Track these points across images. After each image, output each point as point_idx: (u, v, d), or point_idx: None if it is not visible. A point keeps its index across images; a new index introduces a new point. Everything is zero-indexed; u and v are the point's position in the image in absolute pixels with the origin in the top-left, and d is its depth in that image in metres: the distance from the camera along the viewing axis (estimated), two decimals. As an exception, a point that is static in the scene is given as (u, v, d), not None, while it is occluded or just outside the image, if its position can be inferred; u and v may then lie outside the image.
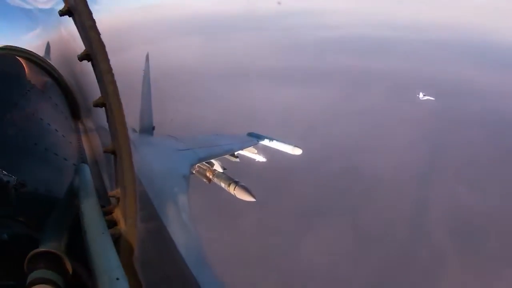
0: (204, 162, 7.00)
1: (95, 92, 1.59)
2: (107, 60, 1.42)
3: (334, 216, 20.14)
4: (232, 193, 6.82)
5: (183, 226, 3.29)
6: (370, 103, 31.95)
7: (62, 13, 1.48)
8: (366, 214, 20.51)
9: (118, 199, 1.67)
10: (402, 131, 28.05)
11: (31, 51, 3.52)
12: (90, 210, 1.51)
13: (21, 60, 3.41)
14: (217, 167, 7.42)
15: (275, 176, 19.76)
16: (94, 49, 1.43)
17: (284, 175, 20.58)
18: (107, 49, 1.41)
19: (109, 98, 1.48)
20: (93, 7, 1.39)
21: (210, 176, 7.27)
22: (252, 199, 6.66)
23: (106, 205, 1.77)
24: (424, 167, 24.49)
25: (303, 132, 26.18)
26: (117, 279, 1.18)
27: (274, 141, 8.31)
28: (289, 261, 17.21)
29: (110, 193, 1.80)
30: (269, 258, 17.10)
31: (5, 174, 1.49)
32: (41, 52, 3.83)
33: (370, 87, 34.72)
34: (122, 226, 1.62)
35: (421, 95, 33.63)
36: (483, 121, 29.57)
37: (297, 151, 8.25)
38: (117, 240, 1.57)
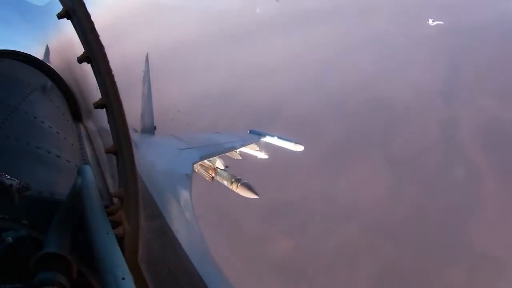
0: (206, 161, 7.01)
1: (96, 94, 1.59)
2: (107, 62, 1.43)
3: (366, 148, 20.17)
4: (235, 190, 6.84)
5: (187, 225, 3.30)
6: (381, 35, 30.65)
7: (60, 16, 1.49)
8: (398, 140, 20.48)
9: (121, 199, 1.68)
10: (421, 57, 27.25)
11: (30, 55, 3.53)
12: (93, 211, 1.52)
13: (21, 64, 3.42)
14: (219, 165, 7.43)
15: (303, 120, 19.85)
16: (94, 51, 1.43)
17: (309, 116, 20.70)
18: (107, 47, 1.42)
19: (110, 99, 1.49)
20: (89, 7, 1.39)
21: (213, 174, 7.29)
22: (255, 196, 6.67)
23: (109, 206, 1.78)
24: (447, 87, 24.10)
25: (318, 71, 25.81)
26: (123, 278, 1.19)
27: (276, 138, 8.32)
28: (330, 200, 17.54)
29: (113, 193, 1.81)
30: (310, 200, 17.43)
31: (8, 178, 1.50)
32: (40, 55, 3.84)
33: (377, 19, 32.95)
34: (126, 226, 1.63)
35: (430, 21, 32.61)
36: (495, 32, 28.64)
37: (299, 148, 8.26)
38: (122, 240, 1.58)
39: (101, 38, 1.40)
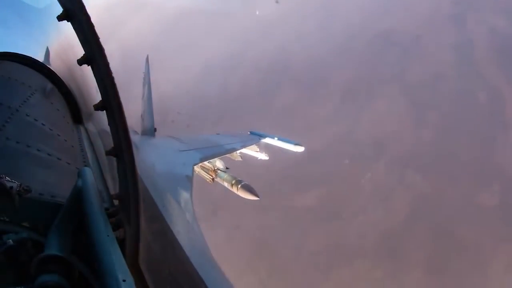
0: (206, 162, 7.00)
1: (96, 95, 1.59)
2: (107, 63, 1.42)
3: (381, 83, 19.53)
4: (236, 192, 6.82)
5: (187, 226, 3.30)
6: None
7: (60, 18, 1.48)
8: (412, 70, 19.72)
9: (121, 201, 1.68)
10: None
11: (31, 57, 3.54)
12: (94, 213, 1.52)
13: (21, 66, 3.43)
14: (220, 166, 7.42)
15: (312, 68, 19.55)
16: (94, 53, 1.43)
17: (319, 64, 20.18)
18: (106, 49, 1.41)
19: (110, 101, 1.48)
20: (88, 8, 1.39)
21: (213, 176, 7.28)
22: (255, 198, 6.66)
23: (110, 208, 1.78)
24: (456, 10, 22.24)
25: (320, 15, 23.91)
26: (124, 280, 1.19)
27: (276, 139, 8.33)
28: (355, 142, 17.31)
29: (114, 195, 1.81)
30: (334, 145, 17.27)
31: (8, 180, 1.49)
32: (40, 58, 3.85)
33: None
34: (126, 228, 1.63)
35: None
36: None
37: (299, 149, 8.26)
38: (122, 242, 1.58)
39: (101, 40, 1.40)
